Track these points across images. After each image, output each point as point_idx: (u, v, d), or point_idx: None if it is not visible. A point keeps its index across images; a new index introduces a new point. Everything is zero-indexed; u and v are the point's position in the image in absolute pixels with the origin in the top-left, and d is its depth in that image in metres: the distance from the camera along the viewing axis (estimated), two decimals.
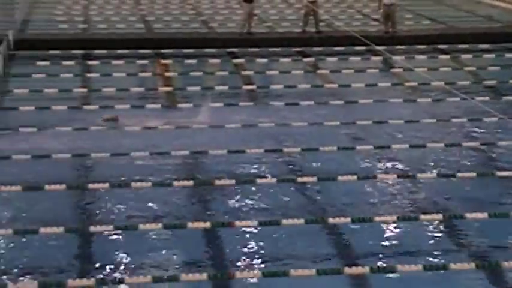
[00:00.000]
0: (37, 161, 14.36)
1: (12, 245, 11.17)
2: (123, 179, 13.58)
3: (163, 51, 23.86)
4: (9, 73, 20.76)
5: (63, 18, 29.44)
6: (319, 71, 22.21)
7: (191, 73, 21.37)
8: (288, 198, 13.09)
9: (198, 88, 19.81)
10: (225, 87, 20.00)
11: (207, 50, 24.00)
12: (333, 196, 13.25)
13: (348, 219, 11.87)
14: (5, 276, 10.27)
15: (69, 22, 28.66)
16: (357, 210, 12.54)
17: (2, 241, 11.25)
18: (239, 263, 10.84)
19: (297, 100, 18.65)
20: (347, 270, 10.41)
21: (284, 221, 11.72)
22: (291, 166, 14.70)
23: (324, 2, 31.59)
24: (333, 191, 13.42)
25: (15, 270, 10.46)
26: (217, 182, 13.39)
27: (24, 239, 11.28)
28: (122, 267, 10.61)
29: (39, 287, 9.76)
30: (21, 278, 10.18)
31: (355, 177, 13.59)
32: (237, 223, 11.77)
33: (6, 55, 20.36)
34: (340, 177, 13.52)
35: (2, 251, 10.98)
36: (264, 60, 23.02)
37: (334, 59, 23.08)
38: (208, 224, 11.70)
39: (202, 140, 15.77)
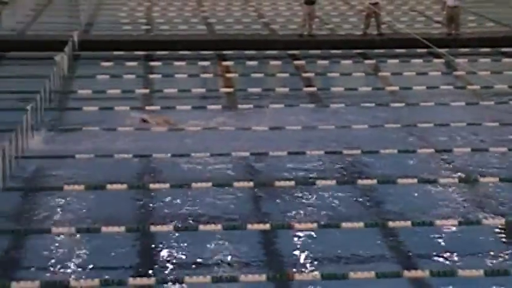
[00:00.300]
0: (100, 160, 14.55)
1: (74, 243, 11.33)
2: (183, 179, 13.70)
3: (224, 52, 23.99)
4: (73, 73, 21.08)
5: (127, 20, 29.78)
6: (380, 73, 22.12)
7: (252, 74, 21.44)
8: (347, 201, 13.07)
9: (258, 89, 19.87)
10: (286, 89, 20.03)
11: (268, 51, 24.08)
12: (393, 199, 13.19)
13: (408, 223, 11.81)
14: (67, 273, 10.45)
15: (132, 23, 28.99)
16: (417, 213, 12.46)
17: (65, 239, 11.41)
18: (298, 265, 10.86)
19: (357, 102, 18.60)
20: (406, 273, 10.35)
21: (343, 224, 11.70)
22: (350, 168, 14.67)
23: (386, 4, 31.41)
24: (392, 194, 13.35)
25: (78, 268, 10.62)
26: (277, 184, 13.42)
27: (86, 238, 11.45)
28: (181, 267, 10.71)
29: (100, 285, 9.90)
30: (83, 276, 10.33)
31: (415, 180, 13.50)
32: (297, 225, 11.79)
33: (71, 56, 20.68)
34: (400, 180, 13.45)
35: (66, 249, 11.15)
36: (325, 62, 23.00)
37: (396, 61, 22.95)
38: (267, 226, 11.74)
39: (263, 142, 15.81)
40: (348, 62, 22.96)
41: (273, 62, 22.93)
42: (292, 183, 13.45)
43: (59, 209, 12.55)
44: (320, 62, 22.97)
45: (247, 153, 15.01)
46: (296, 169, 14.43)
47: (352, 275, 10.14)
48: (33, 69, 21.61)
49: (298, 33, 25.35)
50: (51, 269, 10.57)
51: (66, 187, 13.12)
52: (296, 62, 22.97)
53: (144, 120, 16.74)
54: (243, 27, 28.38)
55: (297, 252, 11.23)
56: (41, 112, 14.91)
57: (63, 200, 12.89)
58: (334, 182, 13.56)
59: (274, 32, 27.58)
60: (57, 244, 11.29)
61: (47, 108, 15.78)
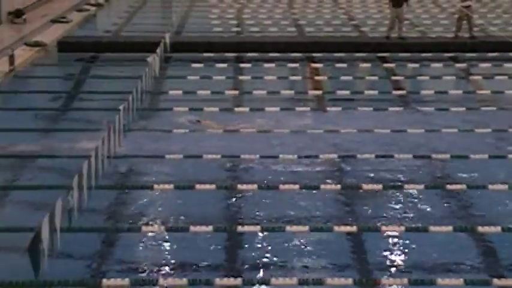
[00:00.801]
0: (189, 161, 14.74)
1: (164, 242, 11.52)
2: (271, 180, 13.77)
3: (314, 54, 24.01)
4: (164, 74, 21.39)
5: (218, 22, 30.06)
6: (471, 77, 21.82)
7: (341, 77, 21.41)
8: (436, 205, 12.96)
9: (347, 92, 19.84)
10: (375, 92, 19.95)
11: (357, 54, 24.02)
12: (482, 204, 13.02)
13: (498, 229, 11.64)
14: (155, 272, 10.62)
15: (223, 25, 29.25)
16: (507, 219, 12.27)
17: (154, 238, 11.61)
18: (385, 270, 10.82)
19: (447, 106, 18.39)
20: (496, 281, 10.20)
21: (431, 228, 11.61)
22: (439, 173, 14.53)
23: (479, 7, 30.97)
24: (482, 200, 13.18)
25: (166, 266, 10.79)
26: (365, 187, 13.39)
27: (175, 237, 11.62)
28: (268, 268, 10.78)
29: (188, 284, 10.04)
30: (172, 275, 10.49)
31: (505, 186, 13.29)
32: (384, 228, 11.75)
33: (162, 57, 20.98)
34: (490, 186, 13.26)
35: (154, 248, 11.34)
36: (415, 65, 22.81)
37: (488, 65, 22.62)
38: (354, 228, 11.73)
39: (351, 144, 15.78)
40: (439, 65, 22.73)
41: (362, 65, 22.86)
42: (380, 186, 13.39)
43: (148, 208, 12.77)
44: (410, 65, 22.79)
45: (335, 156, 15.01)
46: (384, 172, 14.36)
47: (440, 281, 10.05)
48: (126, 70, 22.03)
49: (385, 35, 25.20)
50: (141, 267, 10.76)
51: (156, 186, 13.34)
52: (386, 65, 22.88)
53: (198, 121, 16.94)
54: (332, 30, 28.35)
55: (384, 256, 11.18)
56: (132, 112, 15.18)
57: (153, 199, 13.10)
58: (422, 186, 13.46)
59: (364, 34, 27.47)
60: (146, 242, 11.49)
61: (138, 108, 16.04)
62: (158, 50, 19.81)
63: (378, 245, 11.47)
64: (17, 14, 29.08)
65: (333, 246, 11.44)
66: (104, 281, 10.09)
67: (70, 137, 16.03)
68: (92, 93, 19.95)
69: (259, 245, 11.42)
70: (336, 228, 11.67)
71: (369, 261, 11.12)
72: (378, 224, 12.00)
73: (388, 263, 11.00)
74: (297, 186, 13.34)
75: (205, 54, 23.75)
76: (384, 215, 12.54)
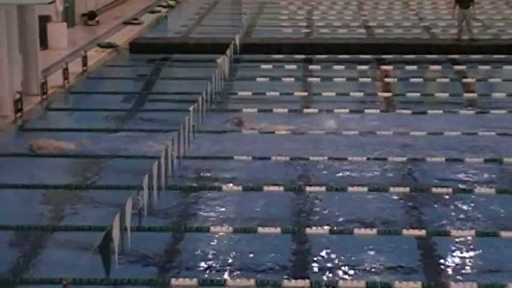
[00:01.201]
0: (257, 162, 14.79)
1: (231, 242, 11.57)
2: (339, 182, 13.74)
3: (384, 56, 23.88)
4: (234, 76, 21.49)
5: (288, 23, 30.10)
6: None
7: (411, 79, 21.25)
8: (507, 210, 12.75)
9: (417, 94, 19.68)
10: (446, 95, 19.74)
11: (428, 56, 23.80)
12: None
13: None
14: (223, 272, 10.68)
15: (292, 27, 29.28)
16: None
17: (222, 238, 11.67)
18: (454, 273, 10.70)
19: None
20: None
21: (503, 233, 11.45)
22: (511, 177, 14.31)
23: None
24: None
25: (233, 267, 10.83)
26: (434, 190, 13.27)
27: (243, 238, 11.66)
28: (335, 271, 10.75)
29: (256, 285, 10.08)
30: (239, 275, 10.53)
31: None
32: (453, 232, 11.63)
33: (232, 58, 21.09)
34: None
35: (222, 248, 11.39)
36: (487, 67, 22.52)
37: None
38: (423, 232, 11.63)
39: (421, 147, 15.66)
40: (511, 67, 22.40)
41: (432, 67, 22.65)
42: (450, 190, 13.25)
43: (217, 209, 12.84)
44: (481, 67, 22.51)
45: (404, 159, 14.91)
46: (454, 175, 14.21)
47: (511, 286, 9.90)
48: (196, 71, 22.20)
49: (455, 38, 24.94)
50: (209, 267, 10.83)
51: (224, 187, 13.42)
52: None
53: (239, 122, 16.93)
54: (403, 31, 28.15)
55: (453, 260, 11.07)
56: (202, 113, 15.29)
57: (222, 200, 13.17)
58: (493, 190, 13.27)
59: (435, 36, 27.22)
60: (214, 243, 11.56)
61: (208, 109, 16.16)
62: (228, 52, 19.93)
63: (447, 249, 11.35)
64: (90, 16, 29.56)
65: (401, 249, 11.35)
66: (173, 280, 10.18)
67: (140, 137, 16.21)
68: (162, 94, 20.16)
69: (327, 247, 11.39)
70: (405, 231, 11.59)
71: (438, 265, 11.01)
72: (448, 228, 11.87)
73: (457, 267, 10.88)
74: (365, 189, 13.28)
75: (275, 56, 23.80)
76: (454, 218, 12.40)
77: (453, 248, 11.39)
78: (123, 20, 30.15)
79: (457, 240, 11.53)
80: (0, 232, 11.70)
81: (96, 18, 29.55)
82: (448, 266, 10.92)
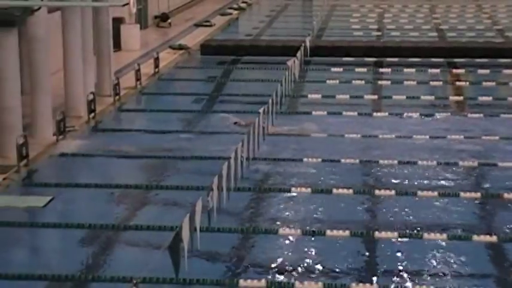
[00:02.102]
0: (327, 164, 14.79)
1: (300, 245, 11.58)
2: (409, 186, 13.66)
3: (455, 60, 23.64)
4: (304, 78, 21.51)
5: (358, 26, 30.00)
6: None
7: (483, 83, 21.00)
8: None
9: (489, 98, 19.44)
10: None
11: (501, 60, 23.48)
12: None
13: None
14: (291, 274, 10.70)
15: (363, 30, 29.17)
16: None
17: (291, 240, 11.69)
18: None
19: None
20: None
21: None
22: None
23: None
24: None
25: (303, 269, 10.84)
26: (506, 196, 13.09)
27: (312, 240, 11.67)
28: (404, 275, 10.68)
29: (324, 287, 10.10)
30: (308, 278, 10.54)
31: None
32: None
33: (302, 61, 21.09)
34: None
35: (291, 250, 11.41)
36: None
37: None
38: (494, 238, 11.49)
39: (492, 152, 15.48)
40: None
41: (506, 71, 22.35)
42: None
43: (286, 211, 12.86)
44: None
45: (475, 163, 14.75)
46: None
47: None
48: (266, 73, 22.27)
49: None
50: (277, 269, 10.84)
51: (293, 189, 13.45)
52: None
53: (236, 123, 16.76)
54: (475, 35, 27.83)
55: None
56: (272, 115, 15.33)
57: (291, 202, 13.20)
58: None
59: (509, 39, 26.83)
60: (283, 245, 11.58)
61: (278, 111, 16.19)
62: (298, 54, 19.95)
63: None
64: (163, 18, 29.89)
65: (471, 255, 11.23)
66: (241, 281, 10.25)
67: (212, 138, 16.34)
68: (232, 96, 20.28)
69: (396, 251, 11.33)
70: (475, 237, 11.47)
71: (509, 271, 10.87)
72: None
73: None
74: (435, 193, 13.18)
75: (345, 59, 23.75)
76: None
77: None
78: (195, 22, 30.41)
79: None
80: (72, 230, 11.91)
81: (169, 20, 29.87)
82: None
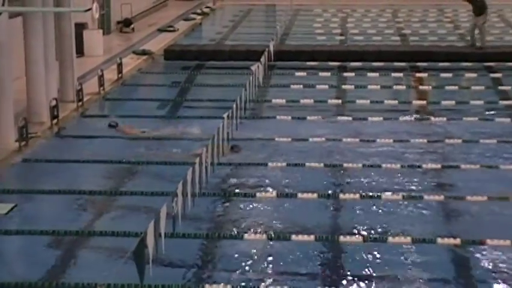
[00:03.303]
0: (292, 169, 14.81)
1: (266, 250, 11.58)
2: (373, 190, 13.72)
3: (418, 64, 23.81)
4: (268, 83, 21.53)
5: (322, 31, 30.10)
6: None
7: (446, 87, 21.17)
8: None
9: (452, 102, 19.60)
10: (481, 102, 19.64)
11: (463, 63, 23.69)
12: None
13: None
14: (257, 279, 10.70)
15: (327, 34, 29.27)
16: None
17: (257, 245, 11.68)
18: (487, 282, 10.63)
19: None
20: None
21: None
22: None
23: None
24: None
25: (267, 274, 10.83)
26: (469, 198, 13.20)
27: (277, 245, 11.67)
28: (367, 279, 10.72)
29: None
30: (272, 283, 10.54)
31: None
32: (489, 242, 11.53)
33: (266, 65, 21.12)
34: None
35: (256, 255, 11.40)
36: None
37: None
38: (458, 241, 11.56)
39: (455, 155, 15.61)
40: None
41: (468, 75, 22.55)
42: (485, 198, 13.16)
43: (251, 216, 12.86)
44: None
45: (438, 166, 14.85)
46: (489, 183, 14.11)
47: None
48: (230, 78, 22.27)
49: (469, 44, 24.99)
50: (242, 273, 10.84)
51: (258, 194, 13.46)
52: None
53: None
54: (438, 39, 28.04)
55: (490, 270, 10.98)
56: (236, 120, 15.34)
57: (256, 207, 13.20)
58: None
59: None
60: (248, 250, 11.57)
61: (242, 116, 16.20)
62: (262, 59, 19.98)
63: (482, 258, 11.27)
64: (126, 23, 29.78)
65: (435, 258, 11.30)
66: (206, 286, 10.23)
67: (175, 143, 16.29)
68: (196, 101, 20.25)
69: (361, 256, 11.36)
70: (440, 240, 11.54)
71: (473, 275, 10.95)
72: (482, 238, 11.76)
73: (494, 277, 10.80)
74: (399, 196, 13.25)
75: (309, 63, 23.82)
76: (488, 228, 12.32)
77: (491, 257, 11.29)
78: (158, 27, 30.34)
79: (494, 249, 11.43)
80: (36, 237, 11.82)
81: (132, 26, 29.77)
82: (483, 275, 10.84)
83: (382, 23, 31.84)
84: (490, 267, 11.04)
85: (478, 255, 11.33)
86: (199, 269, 11.05)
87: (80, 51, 23.52)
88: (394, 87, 21.61)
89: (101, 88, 20.41)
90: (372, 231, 12.08)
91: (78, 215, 12.94)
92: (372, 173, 14.62)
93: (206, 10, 35.12)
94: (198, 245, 11.72)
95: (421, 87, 21.54)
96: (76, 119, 18.46)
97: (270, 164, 14.98)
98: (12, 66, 16.25)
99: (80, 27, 24.04)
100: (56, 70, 19.05)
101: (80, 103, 19.10)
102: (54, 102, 17.49)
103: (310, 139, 16.54)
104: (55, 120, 17.45)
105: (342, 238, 11.75)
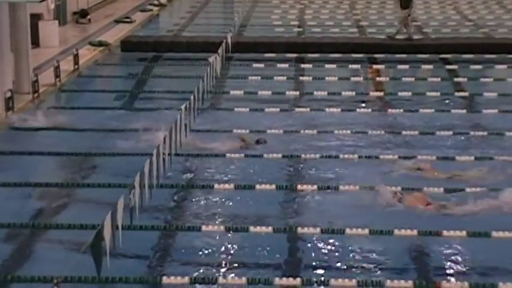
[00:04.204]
0: (250, 160, 14.80)
1: (224, 241, 11.57)
2: (331, 181, 13.75)
3: (375, 56, 23.91)
4: (226, 74, 21.49)
5: (280, 22, 30.11)
6: None
7: (403, 79, 21.30)
8: None
9: (409, 94, 19.72)
10: (437, 94, 19.78)
11: (420, 55, 23.84)
12: None
13: None
14: (214, 271, 10.68)
15: (285, 26, 29.28)
16: None
17: (214, 237, 11.66)
18: (444, 274, 10.73)
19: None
20: None
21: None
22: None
23: None
24: None
25: (226, 266, 10.83)
26: (426, 189, 13.29)
27: (235, 237, 11.66)
28: (327, 269, 10.75)
29: (247, 283, 10.10)
30: (231, 274, 10.54)
31: None
32: (445, 233, 11.62)
33: (224, 57, 21.06)
34: None
35: (213, 247, 11.39)
36: (479, 66, 22.56)
37: None
38: (415, 232, 11.63)
39: (414, 146, 15.72)
40: (503, 66, 22.46)
41: (424, 66, 22.70)
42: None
43: (209, 208, 12.83)
44: (473, 66, 22.56)
45: (395, 157, 14.92)
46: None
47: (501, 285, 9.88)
48: (188, 69, 22.18)
49: (450, 37, 25.16)
50: (200, 265, 10.82)
51: (216, 186, 13.43)
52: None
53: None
54: (394, 31, 28.14)
55: (444, 259, 11.08)
56: (194, 112, 15.28)
57: (214, 199, 13.17)
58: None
59: (427, 35, 27.25)
60: (206, 241, 11.54)
61: (200, 108, 16.14)
62: (220, 50, 19.92)
63: (438, 249, 11.36)
64: (82, 14, 29.50)
65: (392, 249, 11.35)
66: (164, 278, 10.20)
67: (132, 135, 16.19)
68: (154, 93, 20.14)
69: (318, 247, 11.40)
70: (397, 231, 11.60)
71: (430, 264, 11.03)
72: (439, 230, 11.82)
73: (448, 266, 10.91)
74: (357, 187, 13.29)
75: (267, 55, 23.81)
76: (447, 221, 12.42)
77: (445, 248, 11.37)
78: (115, 18, 30.11)
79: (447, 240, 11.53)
80: None
81: (88, 17, 29.50)
82: (440, 266, 10.92)
83: (339, 14, 31.91)
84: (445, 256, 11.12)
85: (435, 246, 11.41)
86: (157, 261, 11.03)
87: (36, 42, 23.26)
88: (352, 78, 21.67)
89: (57, 79, 20.21)
90: (330, 223, 12.09)
91: (33, 208, 12.80)
92: (330, 164, 14.65)
93: (163, 1, 34.93)
94: (155, 237, 11.67)
95: (378, 78, 21.63)
96: (31, 111, 18.23)
97: (227, 155, 14.95)
98: None
99: (35, 18, 23.77)
100: (11, 61, 18.83)
101: (36, 94, 18.90)
102: (9, 94, 17.29)
103: (268, 131, 16.52)
104: (10, 112, 17.24)
105: (299, 229, 11.76)
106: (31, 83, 18.92)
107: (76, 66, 21.81)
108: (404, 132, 16.49)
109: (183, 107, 14.13)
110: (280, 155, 14.97)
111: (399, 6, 25.14)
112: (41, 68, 21.38)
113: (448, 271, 10.76)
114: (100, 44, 24.95)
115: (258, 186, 13.30)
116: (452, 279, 10.48)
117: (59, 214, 12.54)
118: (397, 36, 24.90)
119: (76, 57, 21.86)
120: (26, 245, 11.46)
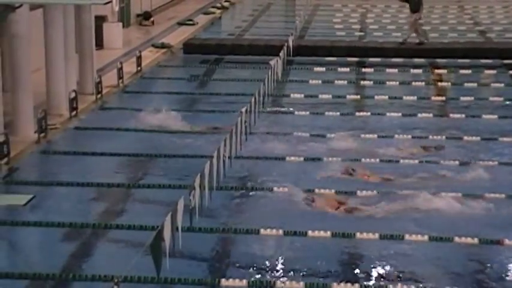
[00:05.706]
0: (308, 164, 14.79)
1: (281, 245, 11.57)
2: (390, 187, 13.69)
3: (438, 60, 23.73)
4: (287, 78, 21.51)
5: (341, 26, 30.05)
6: None
7: (465, 84, 21.09)
8: None
9: (471, 98, 19.53)
10: (500, 99, 19.56)
11: (483, 60, 23.59)
12: None
13: None
14: (272, 274, 10.71)
15: (346, 29, 29.22)
16: None
17: (272, 240, 11.67)
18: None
19: None
20: None
21: None
22: None
23: None
24: None
25: (284, 270, 10.82)
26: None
27: (293, 241, 11.66)
28: (386, 276, 10.70)
29: (306, 287, 10.12)
30: (289, 278, 10.54)
31: None
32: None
33: (285, 60, 21.09)
34: None
35: (272, 250, 11.40)
36: None
37: None
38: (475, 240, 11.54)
39: (474, 152, 15.57)
40: None
41: (487, 71, 22.45)
42: None
43: (268, 210, 12.84)
44: None
45: (456, 163, 14.79)
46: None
47: None
48: (249, 72, 22.27)
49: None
50: (258, 269, 10.84)
51: (276, 189, 13.45)
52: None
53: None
54: (457, 35, 27.92)
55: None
56: (254, 115, 15.33)
57: (273, 202, 13.17)
58: None
59: (490, 40, 26.95)
60: (264, 245, 11.57)
61: (260, 111, 16.19)
62: (281, 53, 19.96)
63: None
64: (145, 16, 29.83)
65: (451, 258, 11.27)
66: (223, 280, 10.25)
67: (193, 137, 16.30)
68: (215, 95, 20.26)
69: (377, 253, 11.34)
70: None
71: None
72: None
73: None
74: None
75: (328, 58, 23.79)
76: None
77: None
78: (178, 20, 30.37)
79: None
80: (54, 229, 11.88)
81: (151, 19, 29.81)
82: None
83: (401, 18, 31.72)
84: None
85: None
86: (216, 263, 11.08)
87: (100, 44, 23.58)
88: (413, 83, 21.52)
89: (120, 81, 20.46)
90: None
91: (96, 208, 12.99)
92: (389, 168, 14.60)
93: (226, 4, 35.13)
94: (214, 239, 11.74)
95: (440, 83, 21.46)
96: (95, 112, 18.49)
97: (287, 158, 14.97)
98: (30, 59, 16.31)
99: (100, 20, 24.11)
100: (76, 62, 19.12)
101: (99, 95, 19.16)
102: (73, 95, 17.56)
103: (328, 135, 16.49)
104: (74, 113, 17.51)
105: (358, 235, 11.73)
106: (95, 84, 19.19)
107: (139, 68, 22.05)
108: (466, 138, 16.33)
109: (243, 109, 14.19)
110: (339, 159, 14.92)
111: (410, 11, 24.91)
112: (104, 69, 21.66)
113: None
114: (163, 46, 25.19)
115: (317, 190, 13.29)
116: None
117: (119, 214, 12.69)
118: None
119: (139, 59, 22.10)
120: (87, 244, 11.62)
